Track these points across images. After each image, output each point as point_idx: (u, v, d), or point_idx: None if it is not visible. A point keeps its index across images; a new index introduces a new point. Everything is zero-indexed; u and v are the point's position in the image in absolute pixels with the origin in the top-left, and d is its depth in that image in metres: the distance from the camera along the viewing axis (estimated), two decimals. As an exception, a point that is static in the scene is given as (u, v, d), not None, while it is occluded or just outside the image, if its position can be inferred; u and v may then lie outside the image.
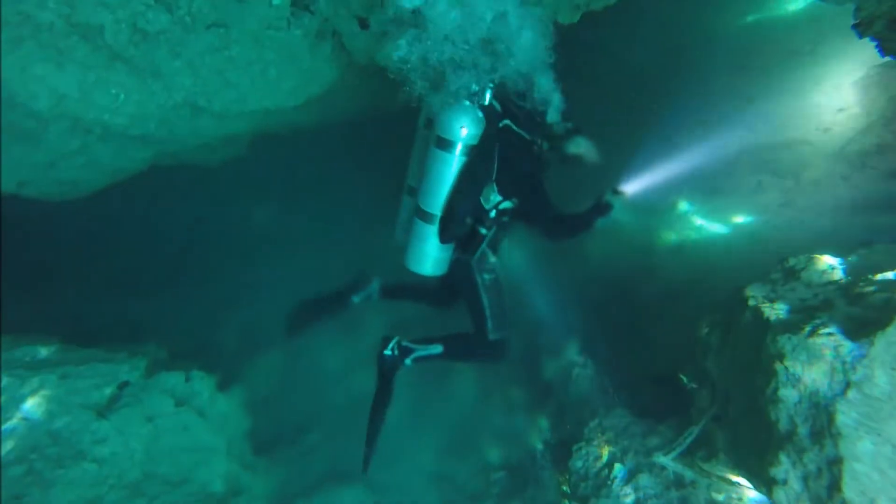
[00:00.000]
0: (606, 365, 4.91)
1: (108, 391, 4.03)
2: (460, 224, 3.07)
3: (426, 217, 3.09)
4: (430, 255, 3.18)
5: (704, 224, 5.99)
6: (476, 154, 2.97)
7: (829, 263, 3.21)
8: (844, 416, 2.10)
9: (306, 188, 7.65)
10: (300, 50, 4.03)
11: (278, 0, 3.53)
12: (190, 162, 5.51)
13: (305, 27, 3.81)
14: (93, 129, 3.80)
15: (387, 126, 5.47)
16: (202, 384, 4.73)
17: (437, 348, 3.44)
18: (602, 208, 3.22)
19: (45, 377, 3.78)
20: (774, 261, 3.51)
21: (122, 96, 3.51)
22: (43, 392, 3.68)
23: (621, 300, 5.83)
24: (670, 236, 6.15)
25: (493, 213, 3.10)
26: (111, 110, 3.58)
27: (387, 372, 3.44)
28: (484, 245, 3.22)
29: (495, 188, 3.06)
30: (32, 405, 3.61)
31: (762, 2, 4.85)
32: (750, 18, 5.08)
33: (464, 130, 2.88)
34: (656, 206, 6.20)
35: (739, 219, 5.77)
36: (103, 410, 3.92)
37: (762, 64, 5.17)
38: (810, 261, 3.23)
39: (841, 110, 5.19)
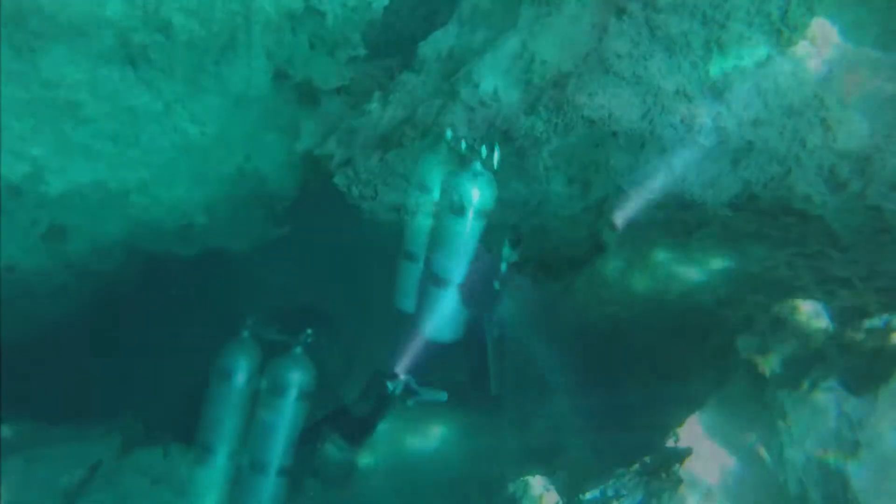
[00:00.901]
0: (599, 422, 4.79)
1: (78, 474, 3.82)
2: (484, 288, 3.06)
3: (442, 284, 3.06)
4: (449, 322, 3.14)
5: (683, 270, 6.01)
6: (491, 215, 2.98)
7: (812, 309, 3.22)
8: (859, 481, 2.02)
9: (288, 245, 7.56)
10: (281, 111, 4.08)
11: (257, 62, 3.61)
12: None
13: (284, 88, 3.88)
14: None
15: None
16: (181, 458, 4.51)
17: (443, 396, 3.37)
18: (599, 247, 3.26)
19: (10, 463, 3.57)
20: (758, 306, 3.52)
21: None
22: (7, 480, 3.46)
23: (607, 352, 5.75)
24: (650, 285, 6.15)
25: (504, 268, 3.10)
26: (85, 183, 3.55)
27: (376, 405, 3.34)
28: (498, 300, 3.21)
29: (507, 242, 3.07)
30: (-6, 496, 3.38)
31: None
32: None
33: (476, 195, 2.89)
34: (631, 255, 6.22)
35: (718, 263, 5.81)
36: (72, 495, 3.70)
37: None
38: (794, 308, 3.23)
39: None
